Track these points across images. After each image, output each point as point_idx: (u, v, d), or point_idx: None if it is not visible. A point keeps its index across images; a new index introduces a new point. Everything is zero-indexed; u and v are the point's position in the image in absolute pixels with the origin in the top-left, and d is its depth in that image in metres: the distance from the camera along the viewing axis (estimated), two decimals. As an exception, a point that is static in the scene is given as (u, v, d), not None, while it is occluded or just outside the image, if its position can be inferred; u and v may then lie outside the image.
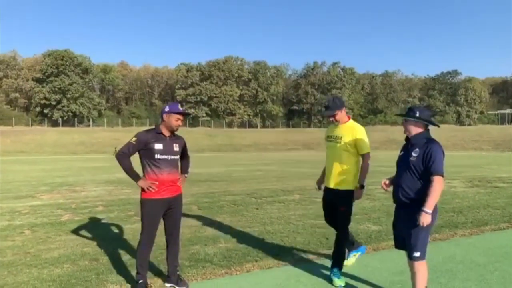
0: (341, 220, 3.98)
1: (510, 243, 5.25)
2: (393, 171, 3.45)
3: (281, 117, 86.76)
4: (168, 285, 3.81)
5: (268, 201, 8.91)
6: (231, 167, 22.11)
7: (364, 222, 6.54)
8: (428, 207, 3.02)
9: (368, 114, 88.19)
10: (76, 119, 72.15)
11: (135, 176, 3.61)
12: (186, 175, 4.04)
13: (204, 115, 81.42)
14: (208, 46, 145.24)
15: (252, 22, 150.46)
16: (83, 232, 6.03)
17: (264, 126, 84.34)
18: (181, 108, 3.74)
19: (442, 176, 3.08)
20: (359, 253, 4.38)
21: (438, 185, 3.05)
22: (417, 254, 3.14)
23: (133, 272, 3.76)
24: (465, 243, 5.31)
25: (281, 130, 77.18)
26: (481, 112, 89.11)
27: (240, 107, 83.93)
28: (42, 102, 71.65)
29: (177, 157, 3.81)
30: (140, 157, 3.69)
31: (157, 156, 3.62)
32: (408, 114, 3.27)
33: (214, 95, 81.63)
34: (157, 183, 3.61)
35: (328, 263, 4.46)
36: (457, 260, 4.53)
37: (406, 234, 3.20)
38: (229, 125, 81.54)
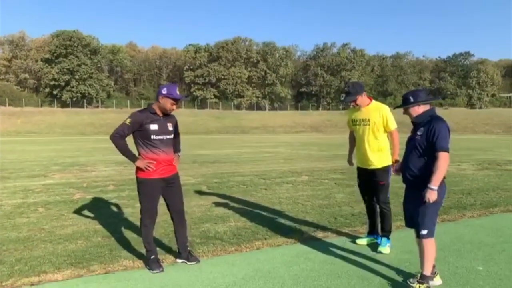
0: (382, 193, 4.21)
1: (519, 225, 5.25)
2: (402, 153, 3.47)
3: (289, 99, 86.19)
4: (179, 260, 3.91)
5: (276, 182, 8.96)
6: (240, 148, 22.18)
7: (372, 203, 6.57)
8: (434, 183, 3.04)
9: (378, 97, 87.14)
10: (85, 100, 72.52)
11: (132, 157, 3.63)
12: (179, 153, 4.05)
13: (212, 97, 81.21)
14: (216, 27, 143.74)
15: (261, 2, 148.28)
16: (95, 210, 6.16)
17: (272, 108, 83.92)
18: (178, 93, 3.67)
19: (447, 151, 3.08)
20: (377, 240, 4.41)
21: (443, 161, 3.05)
22: (424, 231, 3.17)
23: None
24: (473, 224, 5.32)
25: (289, 112, 76.82)
26: (493, 95, 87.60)
27: (248, 89, 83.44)
28: (51, 83, 71.94)
29: (172, 136, 3.80)
30: (135, 138, 3.68)
31: (153, 136, 3.62)
32: (405, 103, 3.31)
33: (222, 77, 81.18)
34: (155, 162, 3.63)
35: (336, 241, 4.54)
36: (465, 240, 4.55)
37: (414, 212, 3.23)
38: (237, 107, 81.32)
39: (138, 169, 3.66)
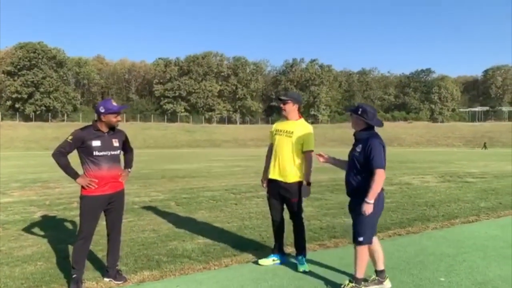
0: (296, 210, 4.19)
1: (478, 235, 5.47)
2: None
3: (260, 113, 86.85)
4: (106, 279, 3.83)
5: (247, 197, 8.94)
6: (210, 162, 22.03)
7: (340, 216, 6.67)
8: (370, 198, 3.30)
9: (345, 111, 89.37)
10: (49, 113, 70.14)
11: (73, 174, 3.60)
12: (129, 169, 4.05)
13: (183, 110, 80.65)
14: (186, 41, 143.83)
15: (231, 18, 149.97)
16: (57, 229, 5.92)
17: (243, 122, 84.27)
18: (115, 104, 3.66)
19: (383, 168, 3.34)
20: (279, 260, 4.28)
21: (378, 177, 3.31)
22: (360, 238, 3.42)
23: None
24: (436, 235, 5.50)
25: (260, 126, 77.31)
26: (453, 110, 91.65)
27: (219, 102, 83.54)
28: (13, 96, 69.25)
29: (118, 152, 3.78)
30: (79, 154, 3.66)
31: (95, 153, 3.60)
32: (355, 110, 3.52)
33: (193, 91, 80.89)
34: (97, 180, 3.60)
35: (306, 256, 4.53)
36: (428, 252, 4.69)
37: (353, 220, 3.52)
38: (208, 120, 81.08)
39: (82, 186, 3.62)
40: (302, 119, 4.27)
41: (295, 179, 4.10)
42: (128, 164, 4.07)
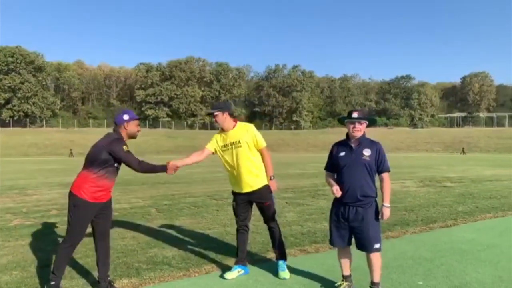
0: (269, 213, 4.17)
1: (456, 239, 5.59)
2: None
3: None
4: None
5: (228, 202, 8.84)
6: (192, 168, 21.86)
7: (321, 221, 6.72)
8: (388, 201, 3.33)
9: (326, 117, 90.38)
10: (28, 119, 68.57)
11: (161, 168, 3.77)
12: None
13: (165, 116, 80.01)
14: (168, 47, 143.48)
15: (214, 23, 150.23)
16: (35, 237, 5.77)
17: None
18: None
19: (389, 171, 3.42)
20: (243, 271, 4.16)
21: (389, 180, 3.39)
22: (377, 245, 3.37)
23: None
24: (415, 239, 5.59)
25: (243, 131, 77.37)
26: (432, 116, 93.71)
27: (202, 108, 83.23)
28: (-11, 101, 67.54)
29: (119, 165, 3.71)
30: (102, 158, 3.46)
31: (116, 164, 3.59)
32: (371, 117, 3.53)
33: (175, 96, 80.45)
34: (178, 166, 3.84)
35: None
36: (407, 256, 4.76)
37: (363, 229, 3.35)
38: (191, 126, 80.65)
39: (80, 189, 3.45)
40: (239, 123, 4.19)
41: (263, 183, 4.10)
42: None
